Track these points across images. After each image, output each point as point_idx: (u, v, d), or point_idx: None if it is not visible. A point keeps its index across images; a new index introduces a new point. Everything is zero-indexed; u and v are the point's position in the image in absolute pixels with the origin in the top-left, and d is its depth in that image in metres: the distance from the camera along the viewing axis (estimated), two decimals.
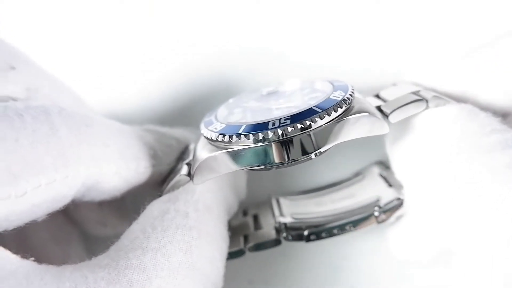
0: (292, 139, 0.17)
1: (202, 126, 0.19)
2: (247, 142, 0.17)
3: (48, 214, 0.16)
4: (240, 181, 0.23)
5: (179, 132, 0.23)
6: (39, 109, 0.16)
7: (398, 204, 0.21)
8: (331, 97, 0.18)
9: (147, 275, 0.15)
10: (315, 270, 0.24)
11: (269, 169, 0.18)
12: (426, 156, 0.18)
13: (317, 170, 0.26)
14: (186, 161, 0.20)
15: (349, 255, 0.24)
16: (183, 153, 0.21)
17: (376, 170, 0.24)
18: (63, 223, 0.22)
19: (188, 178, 0.19)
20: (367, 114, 0.17)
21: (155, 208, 0.18)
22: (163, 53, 0.27)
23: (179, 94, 0.27)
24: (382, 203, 0.21)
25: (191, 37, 0.27)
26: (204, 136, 0.18)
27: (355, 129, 0.17)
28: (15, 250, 0.21)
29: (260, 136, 0.17)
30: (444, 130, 0.18)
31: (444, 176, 0.17)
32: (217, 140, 0.17)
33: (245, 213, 0.24)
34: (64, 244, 0.22)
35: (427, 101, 0.18)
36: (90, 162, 0.16)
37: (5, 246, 0.21)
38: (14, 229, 0.21)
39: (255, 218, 0.24)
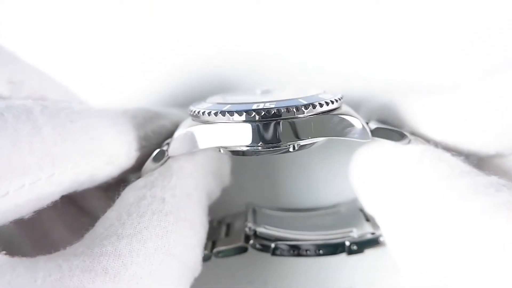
0: (274, 122, 0.17)
1: (190, 106, 0.19)
2: (229, 119, 0.17)
3: (35, 211, 0.16)
4: (224, 167, 0.23)
5: (176, 114, 0.22)
6: (21, 108, 0.15)
7: (371, 238, 0.21)
8: (319, 96, 0.18)
9: (122, 262, 0.15)
10: (314, 271, 0.24)
11: (246, 153, 0.18)
12: (400, 191, 0.18)
13: (306, 193, 0.26)
14: (167, 141, 0.19)
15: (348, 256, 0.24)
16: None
17: (357, 204, 0.24)
18: (78, 215, 0.22)
19: (165, 153, 0.19)
20: (352, 117, 0.17)
21: (130, 194, 0.17)
22: (163, 53, 0.27)
23: (179, 94, 0.27)
24: (355, 234, 0.21)
25: (191, 37, 0.27)
26: (189, 113, 0.19)
27: (338, 128, 0.17)
28: (37, 250, 0.21)
29: (243, 114, 0.17)
30: (414, 168, 0.17)
31: (423, 213, 0.16)
32: (200, 115, 0.18)
33: (219, 222, 0.24)
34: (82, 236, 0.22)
35: (409, 140, 0.19)
36: (78, 158, 0.16)
37: (25, 247, 0.22)
38: (31, 230, 0.21)
39: (228, 226, 0.23)
